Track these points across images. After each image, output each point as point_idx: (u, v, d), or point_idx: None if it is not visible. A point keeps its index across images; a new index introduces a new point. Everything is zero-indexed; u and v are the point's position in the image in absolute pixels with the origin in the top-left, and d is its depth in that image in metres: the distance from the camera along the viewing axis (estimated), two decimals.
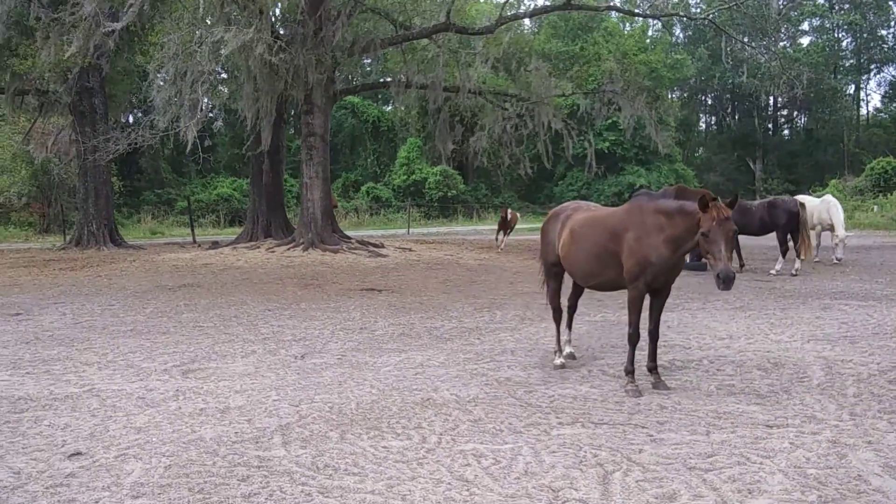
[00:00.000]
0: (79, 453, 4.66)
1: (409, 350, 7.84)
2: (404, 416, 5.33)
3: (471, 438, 4.82)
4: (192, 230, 29.28)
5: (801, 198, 16.47)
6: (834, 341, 7.96)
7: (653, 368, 6.23)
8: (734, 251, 15.16)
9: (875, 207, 35.20)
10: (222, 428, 5.15)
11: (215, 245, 23.16)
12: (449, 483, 4.04)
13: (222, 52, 16.73)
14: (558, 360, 6.96)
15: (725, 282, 5.29)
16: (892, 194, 35.82)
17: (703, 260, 15.59)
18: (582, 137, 28.77)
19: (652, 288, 6.05)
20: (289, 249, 20.10)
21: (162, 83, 19.42)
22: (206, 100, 19.35)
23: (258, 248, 20.99)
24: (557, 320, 7.18)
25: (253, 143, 23.24)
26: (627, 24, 57.06)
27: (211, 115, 41.00)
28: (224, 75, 26.73)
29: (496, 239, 24.06)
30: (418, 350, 7.83)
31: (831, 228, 16.44)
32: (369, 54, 23.12)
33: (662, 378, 6.21)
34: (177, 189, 42.95)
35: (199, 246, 24.33)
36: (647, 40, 56.44)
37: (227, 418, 5.39)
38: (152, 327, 9.42)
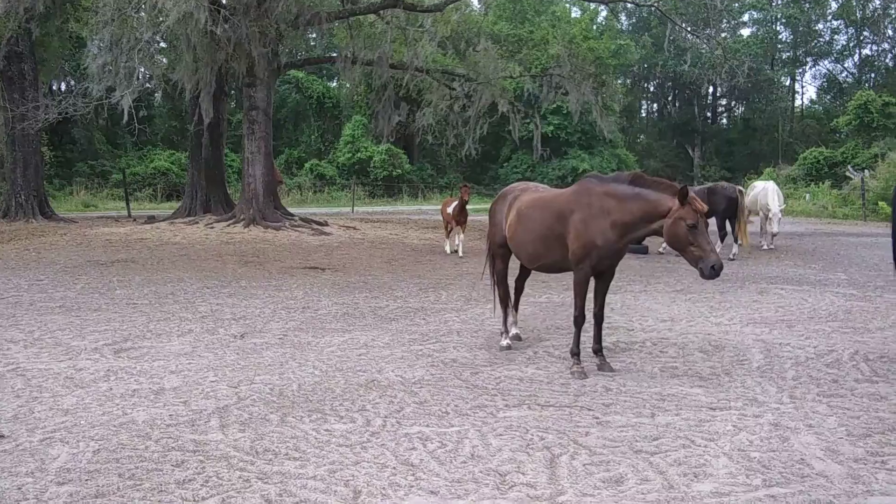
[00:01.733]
0: (1, 436, 4.38)
1: (354, 330, 7.69)
2: (348, 399, 5.20)
3: (416, 421, 4.72)
4: (128, 204, 28.27)
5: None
6: (772, 325, 8.14)
7: (598, 350, 6.24)
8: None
9: (807, 196, 36.40)
10: (156, 410, 4.92)
11: (151, 219, 22.40)
12: (394, 467, 3.93)
13: (162, 21, 16.02)
14: (504, 342, 6.92)
15: (719, 272, 5.34)
16: (823, 183, 37.10)
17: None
18: (528, 120, 28.82)
19: (596, 271, 6.04)
20: (229, 226, 19.57)
21: (97, 50, 18.55)
22: (142, 69, 18.58)
23: (197, 223, 20.38)
24: (504, 302, 7.12)
25: (192, 115, 22.46)
26: (576, 10, 57.38)
27: (149, 85, 39.58)
28: (163, 44, 25.73)
29: (448, 238, 16.35)
30: (362, 330, 7.68)
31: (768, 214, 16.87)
32: (314, 28, 22.56)
33: (607, 360, 6.23)
34: (111, 161, 41.32)
35: (135, 220, 23.51)
36: (595, 27, 56.87)
37: (161, 400, 5.16)
38: (83, 304, 9.02)
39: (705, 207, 5.44)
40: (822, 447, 4.31)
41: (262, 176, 20.43)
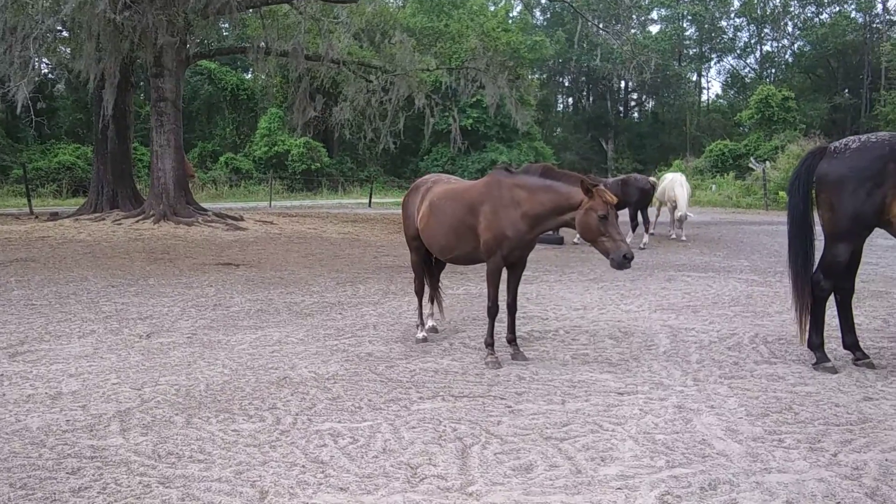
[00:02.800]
0: None
1: (267, 327, 7.51)
2: (258, 397, 5.07)
3: (328, 417, 4.64)
4: (29, 200, 26.76)
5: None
6: (678, 310, 8.44)
7: (512, 340, 6.30)
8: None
9: (713, 187, 38.00)
10: (52, 416, 4.67)
11: (55, 216, 21.27)
12: (303, 466, 3.86)
13: (62, 8, 15.21)
14: (420, 334, 6.90)
15: (630, 261, 5.43)
16: (728, 175, 38.82)
17: (560, 235, 16.25)
18: (446, 113, 28.90)
19: (508, 262, 6.10)
20: (138, 221, 18.82)
21: None
22: (38, 58, 17.60)
23: (103, 219, 19.49)
24: (419, 294, 7.10)
25: (97, 107, 21.46)
26: (491, 4, 57.83)
27: (51, 76, 37.53)
28: (65, 33, 24.47)
29: None
30: (276, 327, 7.52)
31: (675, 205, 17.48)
32: (226, 17, 21.90)
33: (521, 349, 6.31)
34: (11, 155, 38.98)
35: (37, 217, 22.29)
36: (510, 21, 57.52)
37: (58, 405, 4.89)
38: None
39: (615, 199, 5.56)
40: (723, 427, 4.48)
41: (173, 170, 19.74)
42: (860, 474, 3.78)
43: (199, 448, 4.11)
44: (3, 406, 4.87)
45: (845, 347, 6.13)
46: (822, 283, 5.90)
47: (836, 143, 5.90)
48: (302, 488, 3.58)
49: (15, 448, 4.11)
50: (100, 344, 6.69)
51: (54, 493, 3.53)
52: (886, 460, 3.97)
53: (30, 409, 4.80)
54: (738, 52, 69.62)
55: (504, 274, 6.21)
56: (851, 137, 5.91)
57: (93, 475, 3.74)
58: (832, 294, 6.07)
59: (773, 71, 67.18)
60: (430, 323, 7.20)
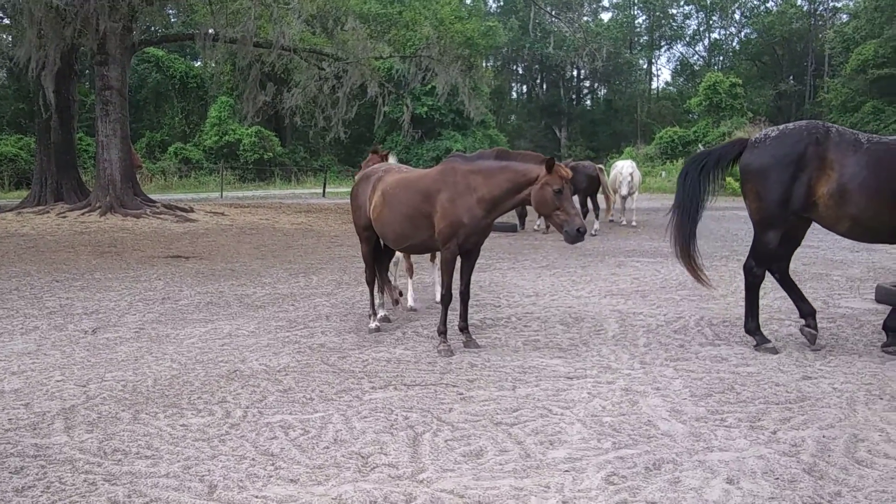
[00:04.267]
0: None
1: (217, 320, 7.42)
2: (207, 391, 5.01)
3: (279, 410, 4.62)
4: None
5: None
6: (627, 295, 8.60)
7: (464, 328, 6.35)
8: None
9: (663, 173, 38.67)
10: None
11: None
12: (253, 458, 3.84)
13: None
14: (373, 324, 6.90)
15: (583, 234, 5.57)
16: (678, 161, 39.52)
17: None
18: (400, 101, 28.77)
19: (463, 249, 6.13)
20: (83, 214, 18.35)
21: None
22: None
23: (47, 213, 18.96)
24: (371, 284, 7.09)
25: (39, 97, 20.80)
26: None
27: None
28: (6, 20, 23.59)
29: None
30: (227, 319, 7.43)
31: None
32: (172, 3, 21.40)
33: (473, 337, 6.36)
34: None
35: None
36: (463, 9, 57.40)
37: None
38: None
39: (570, 174, 5.66)
40: (668, 408, 4.60)
41: (120, 160, 19.28)
42: (798, 451, 3.93)
43: (147, 444, 4.05)
44: None
45: (801, 316, 6.27)
46: (755, 269, 6.13)
47: (757, 135, 6.13)
48: (252, 481, 3.56)
49: None
50: (43, 340, 6.52)
51: None
52: (824, 437, 4.12)
53: None
54: (688, 39, 70.84)
55: (458, 262, 6.24)
56: (771, 128, 6.15)
57: (36, 474, 3.66)
58: (772, 275, 6.28)
59: (721, 58, 68.54)
60: (381, 312, 7.21)
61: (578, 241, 5.61)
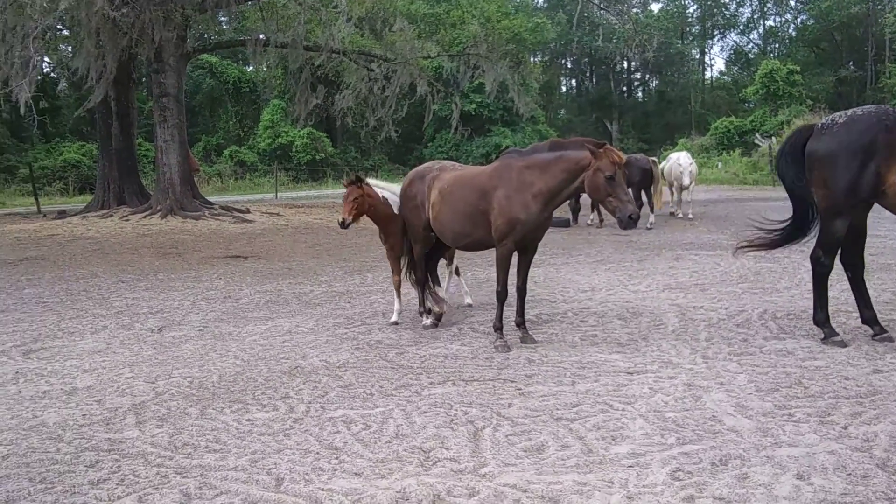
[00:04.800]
0: None
1: (277, 317, 7.56)
2: (270, 387, 5.12)
3: (340, 405, 4.69)
4: (37, 199, 26.90)
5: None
6: (686, 289, 8.44)
7: (521, 323, 6.33)
8: (597, 207, 15.85)
9: (719, 164, 37.80)
10: (68, 411, 4.73)
11: (62, 214, 21.38)
12: (317, 452, 3.90)
13: (59, 6, 15.21)
14: (427, 321, 6.93)
15: (636, 221, 5.49)
16: (734, 151, 38.57)
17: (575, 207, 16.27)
18: (448, 100, 28.80)
19: (520, 246, 6.11)
20: (145, 217, 18.90)
21: None
22: (38, 57, 17.63)
23: (111, 216, 19.58)
24: (422, 283, 7.07)
25: (100, 105, 21.55)
26: None
27: (53, 74, 37.58)
28: (66, 32, 24.48)
29: None
30: (286, 317, 7.57)
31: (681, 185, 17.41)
32: (224, 10, 21.87)
33: (530, 332, 6.33)
34: (17, 155, 39.10)
35: (45, 216, 22.40)
36: (510, 4, 57.13)
37: (73, 400, 4.96)
38: None
39: (622, 158, 5.56)
40: (733, 404, 4.50)
41: (178, 164, 19.80)
42: (871, 446, 3.80)
43: (215, 438, 4.16)
44: (20, 403, 4.94)
45: (864, 322, 6.12)
46: (823, 259, 5.92)
47: (824, 121, 5.92)
48: (317, 474, 3.63)
49: (33, 443, 4.17)
50: (112, 339, 6.75)
51: (73, 486, 3.59)
52: None
53: (46, 405, 4.87)
54: (741, 27, 68.99)
55: (514, 258, 6.22)
56: (838, 113, 5.93)
57: (111, 467, 3.79)
58: (844, 272, 6.10)
59: (777, 46, 66.56)
60: (431, 314, 7.02)
61: (631, 228, 5.55)
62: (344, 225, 6.94)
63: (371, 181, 7.24)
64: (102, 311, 8.12)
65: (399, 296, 7.32)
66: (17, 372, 5.71)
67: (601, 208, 16.54)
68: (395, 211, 7.12)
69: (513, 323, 6.41)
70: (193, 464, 3.81)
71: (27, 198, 30.81)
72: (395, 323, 7.08)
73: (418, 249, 6.99)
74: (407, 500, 3.32)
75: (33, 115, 17.53)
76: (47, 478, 3.70)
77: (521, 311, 6.34)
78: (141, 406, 4.78)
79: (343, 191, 7.13)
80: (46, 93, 26.49)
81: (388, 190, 7.27)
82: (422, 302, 7.06)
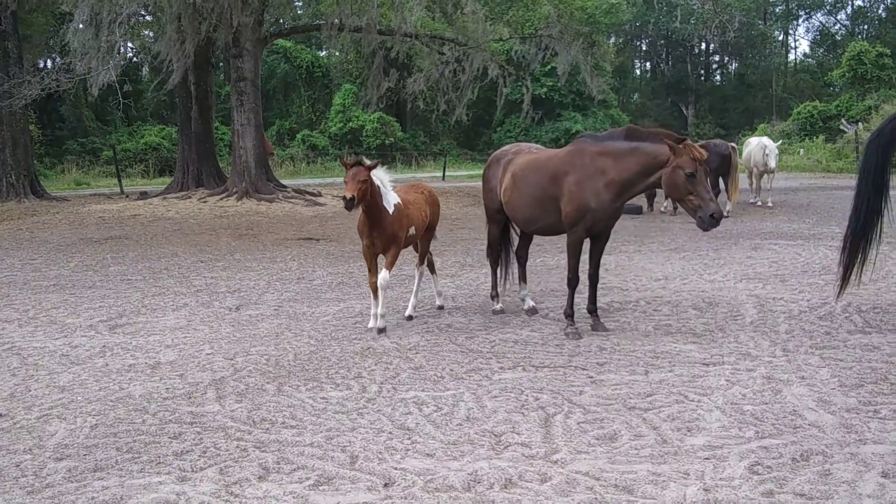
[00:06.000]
0: None
1: (348, 299, 7.70)
2: (344, 366, 5.22)
3: (412, 386, 4.75)
4: (120, 180, 28.10)
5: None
6: (765, 280, 8.17)
7: (592, 311, 6.25)
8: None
9: (801, 151, 36.30)
10: (152, 384, 4.94)
11: (144, 195, 22.25)
12: (390, 432, 3.97)
13: None
14: (497, 306, 6.91)
15: (718, 221, 5.29)
16: (817, 138, 36.95)
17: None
18: (519, 83, 28.52)
19: (591, 233, 6.01)
20: (222, 199, 19.48)
21: (81, 25, 18.25)
22: (123, 42, 18.30)
23: (189, 198, 20.26)
24: (495, 265, 7.06)
25: (180, 89, 22.28)
26: None
27: (135, 59, 39.01)
28: (149, 17, 25.34)
29: None
30: (357, 299, 7.69)
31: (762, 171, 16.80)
32: None
33: (601, 320, 6.25)
34: (102, 138, 40.89)
35: (127, 197, 23.37)
36: None
37: (157, 374, 5.18)
38: (77, 282, 9.00)
39: (705, 154, 5.36)
40: (815, 398, 4.35)
41: (253, 148, 20.29)
42: None
43: (291, 415, 4.28)
44: (107, 375, 5.18)
45: None
46: None
47: None
48: (390, 453, 3.69)
49: (120, 415, 4.38)
50: (193, 316, 7.00)
51: (158, 457, 3.75)
52: None
53: (132, 378, 5.10)
54: (828, 7, 65.78)
55: (586, 244, 6.13)
56: None
57: (193, 439, 3.95)
58: None
59: (866, 27, 63.25)
60: (529, 303, 6.89)
61: (713, 227, 5.34)
62: (351, 204, 5.80)
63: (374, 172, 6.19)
64: (183, 288, 8.43)
65: (376, 298, 6.27)
66: (104, 346, 5.99)
67: None
68: (384, 205, 6.29)
69: (584, 310, 6.33)
70: (271, 438, 3.93)
71: (111, 179, 32.22)
72: (381, 330, 6.16)
73: (494, 231, 6.95)
74: (479, 482, 3.34)
75: (118, 98, 18.21)
76: (133, 448, 3.88)
77: (592, 298, 6.26)
78: (221, 381, 4.96)
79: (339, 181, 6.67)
80: (130, 77, 27.49)
81: (385, 186, 6.38)
82: (494, 285, 7.04)
